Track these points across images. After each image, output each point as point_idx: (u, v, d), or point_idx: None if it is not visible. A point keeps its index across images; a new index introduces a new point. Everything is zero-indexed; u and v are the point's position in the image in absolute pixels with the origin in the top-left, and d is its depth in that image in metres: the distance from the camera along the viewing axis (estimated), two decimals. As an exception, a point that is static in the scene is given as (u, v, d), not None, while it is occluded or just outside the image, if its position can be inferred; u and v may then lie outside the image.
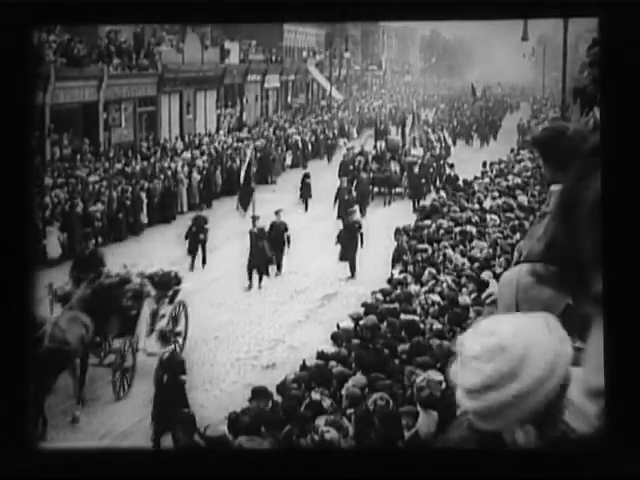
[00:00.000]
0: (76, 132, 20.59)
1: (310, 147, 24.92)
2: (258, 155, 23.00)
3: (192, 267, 17.33)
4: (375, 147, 23.68)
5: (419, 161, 22.57)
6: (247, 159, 19.84)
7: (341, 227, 18.32)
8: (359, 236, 18.04)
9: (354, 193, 20.71)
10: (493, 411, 2.17)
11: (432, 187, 22.26)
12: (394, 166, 22.72)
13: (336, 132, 26.32)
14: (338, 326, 11.83)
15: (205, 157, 21.83)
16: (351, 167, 22.32)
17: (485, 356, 2.16)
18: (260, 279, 17.18)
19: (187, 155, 21.82)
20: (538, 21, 21.91)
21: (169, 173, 20.37)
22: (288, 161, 23.90)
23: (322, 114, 27.59)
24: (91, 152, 20.62)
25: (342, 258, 17.80)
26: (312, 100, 28.60)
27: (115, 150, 21.16)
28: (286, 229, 17.90)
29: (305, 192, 21.63)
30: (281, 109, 27.41)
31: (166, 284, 13.86)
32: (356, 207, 19.34)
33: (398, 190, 22.40)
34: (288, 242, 17.83)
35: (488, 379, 2.15)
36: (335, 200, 20.25)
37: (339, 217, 19.33)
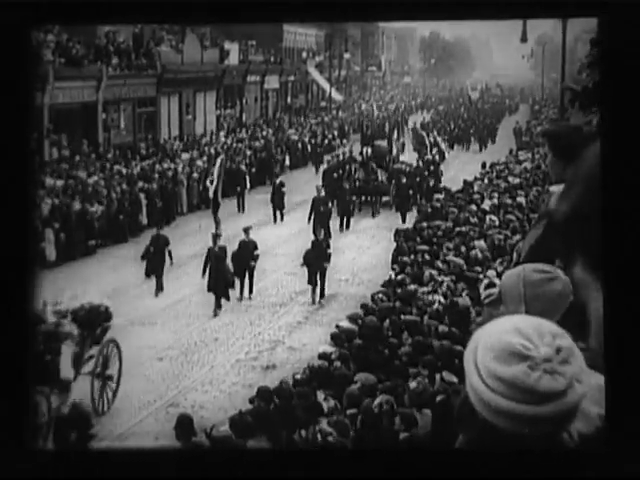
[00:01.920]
0: (75, 133, 20.58)
1: (309, 148, 24.92)
2: (258, 156, 23.03)
3: (158, 292, 16.12)
4: (361, 154, 22.43)
5: (407, 169, 21.46)
6: (215, 172, 18.56)
7: (308, 246, 16.69)
8: (327, 256, 16.55)
9: (329, 205, 19.07)
10: (561, 415, 2.12)
11: (419, 198, 20.94)
12: (381, 174, 21.46)
13: (336, 133, 26.33)
14: (337, 327, 11.83)
15: (205, 158, 21.84)
16: (335, 175, 21.09)
17: (559, 358, 2.12)
18: (219, 305, 15.70)
19: (186, 156, 21.84)
20: (537, 22, 21.93)
21: (169, 174, 20.38)
22: (287, 162, 23.91)
23: (322, 115, 27.61)
24: (90, 153, 20.62)
25: (309, 282, 16.34)
26: (312, 101, 28.62)
27: (114, 151, 21.16)
28: (255, 247, 16.40)
29: (278, 202, 20.14)
30: (281, 110, 27.42)
31: (93, 321, 11.94)
32: (329, 225, 17.90)
33: (386, 199, 21.16)
34: (256, 261, 16.36)
35: (568, 382, 2.10)
36: (310, 213, 18.67)
37: (314, 231, 17.66)
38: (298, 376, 10.46)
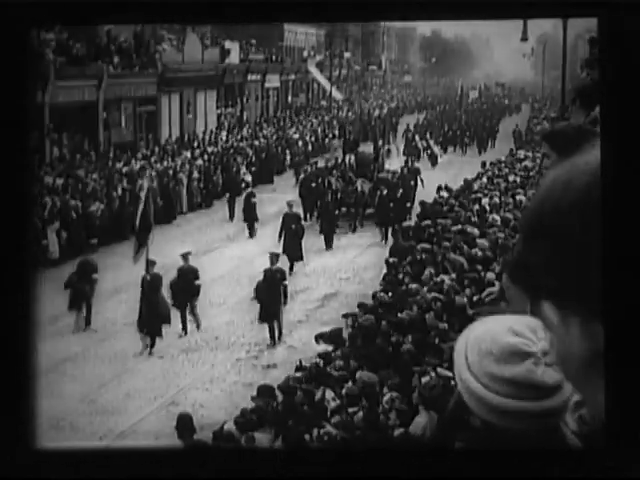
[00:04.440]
0: (76, 132, 20.60)
1: (311, 147, 24.91)
2: (258, 155, 23.02)
3: (78, 328, 14.28)
4: (343, 162, 20.53)
5: (392, 178, 19.51)
6: (144, 193, 15.73)
7: (261, 278, 14.63)
8: (282, 289, 14.49)
9: (302, 222, 17.19)
10: (564, 405, 2.14)
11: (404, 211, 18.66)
12: (361, 185, 19.30)
13: (336, 133, 26.30)
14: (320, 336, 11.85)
15: (205, 157, 21.87)
16: (313, 184, 19.26)
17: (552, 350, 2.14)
18: (152, 344, 13.79)
19: (187, 155, 21.86)
20: (538, 21, 21.91)
21: (170, 173, 20.40)
22: (288, 161, 23.90)
23: (323, 114, 27.61)
24: (91, 151, 20.64)
25: (262, 319, 14.32)
26: (312, 100, 28.61)
27: (115, 149, 21.18)
28: (196, 277, 14.51)
29: (250, 214, 18.29)
30: (281, 109, 27.42)
31: None
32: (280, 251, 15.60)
33: (369, 211, 19.00)
34: (197, 293, 14.54)
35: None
36: (280, 231, 16.58)
37: (284, 252, 15.82)
38: (297, 374, 10.49)
